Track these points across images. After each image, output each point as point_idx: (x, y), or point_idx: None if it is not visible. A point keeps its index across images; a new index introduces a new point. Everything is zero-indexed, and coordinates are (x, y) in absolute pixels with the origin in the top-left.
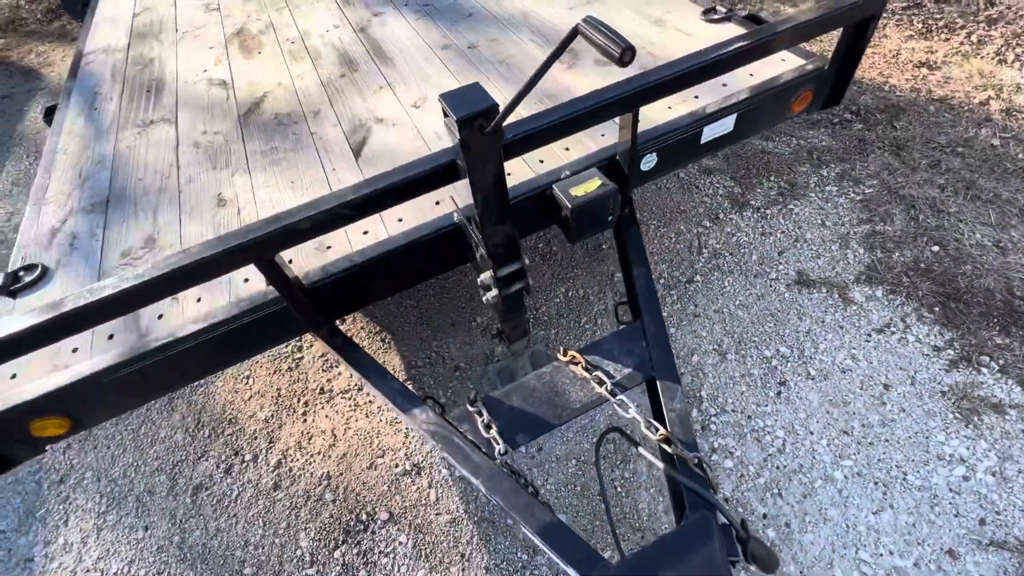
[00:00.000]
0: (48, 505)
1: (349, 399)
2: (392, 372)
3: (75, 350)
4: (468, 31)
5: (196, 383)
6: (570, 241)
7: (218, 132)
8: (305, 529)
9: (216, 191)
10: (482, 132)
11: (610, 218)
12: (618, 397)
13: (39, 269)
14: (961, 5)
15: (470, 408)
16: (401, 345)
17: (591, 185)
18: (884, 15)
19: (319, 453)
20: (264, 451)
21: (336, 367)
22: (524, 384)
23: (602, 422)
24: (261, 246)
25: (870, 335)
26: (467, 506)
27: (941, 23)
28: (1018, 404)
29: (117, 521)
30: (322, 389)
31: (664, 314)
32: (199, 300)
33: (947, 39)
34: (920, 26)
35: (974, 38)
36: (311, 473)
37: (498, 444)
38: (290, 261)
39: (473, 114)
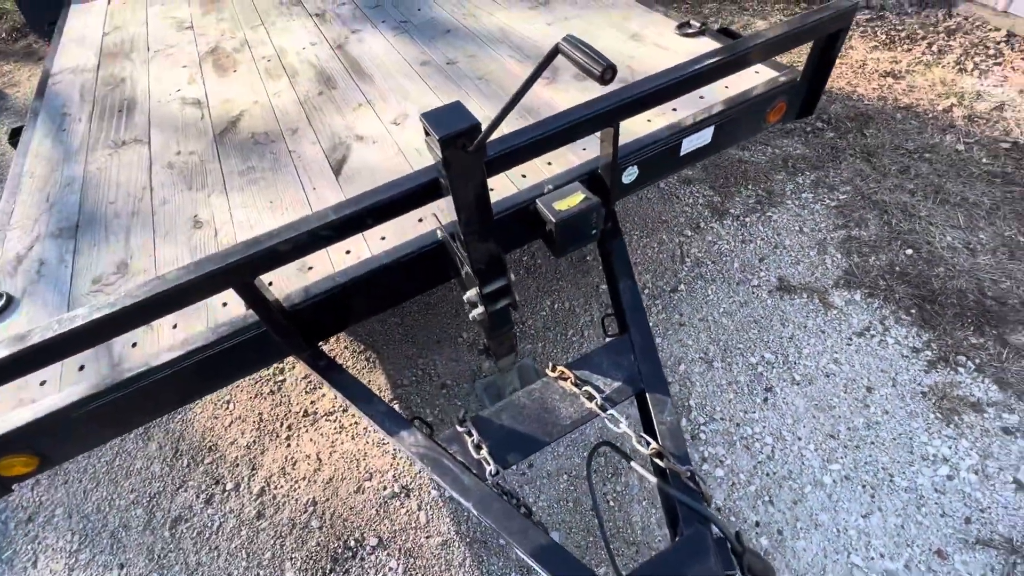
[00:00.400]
0: (16, 546)
1: (334, 421)
2: (378, 392)
3: (43, 383)
4: (447, 47)
5: (173, 411)
6: (555, 255)
7: (193, 152)
8: (291, 559)
9: (192, 213)
10: (464, 151)
11: (594, 231)
12: (608, 412)
13: (3, 298)
14: (921, 17)
15: (459, 428)
16: (386, 364)
17: (574, 199)
18: (849, 27)
19: (304, 478)
20: (246, 479)
21: (320, 388)
22: (513, 402)
23: (592, 436)
24: (240, 270)
25: (851, 339)
26: (458, 527)
27: (903, 34)
28: (995, 402)
29: (90, 559)
30: (306, 412)
31: (650, 324)
32: (175, 326)
33: (909, 49)
34: (884, 37)
35: (935, 48)
36: (296, 500)
37: (489, 464)
38: (270, 283)
39: (455, 133)
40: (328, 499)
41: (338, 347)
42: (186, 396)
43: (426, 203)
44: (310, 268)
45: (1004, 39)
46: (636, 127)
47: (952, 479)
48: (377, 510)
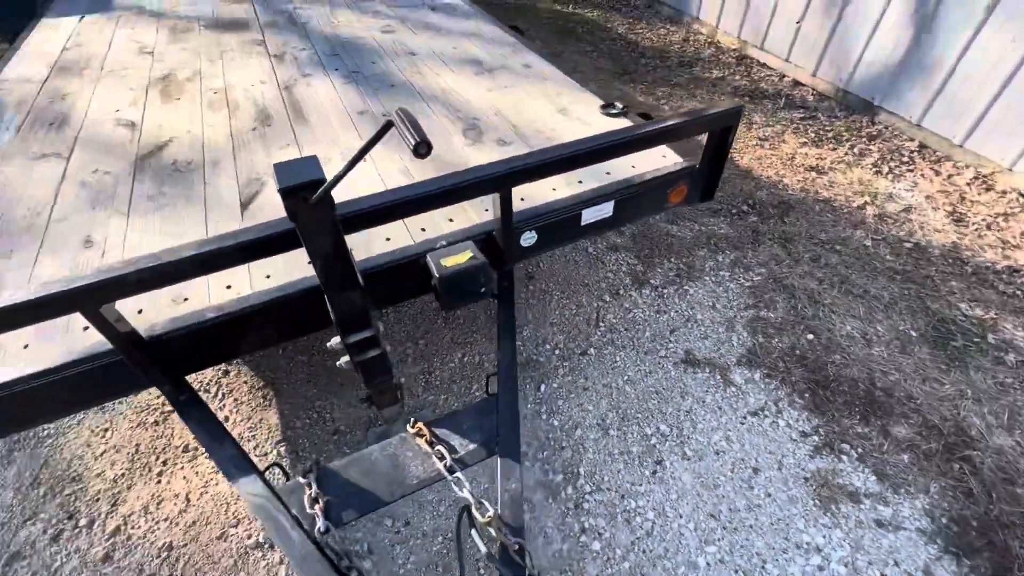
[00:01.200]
0: None
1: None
2: (268, 431)
3: None
4: (388, 100)
5: (44, 434)
6: (443, 309)
7: (109, 172)
8: None
9: (86, 233)
10: (306, 203)
11: (483, 290)
12: (455, 475)
13: None
14: (847, 121)
15: (301, 480)
16: (283, 402)
17: (462, 257)
18: (784, 123)
19: (166, 519)
20: (103, 515)
21: None
22: (365, 456)
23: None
24: (83, 295)
25: (745, 417)
26: None
27: (830, 134)
28: (872, 493)
29: None
30: (187, 447)
31: (555, 385)
32: (26, 346)
33: (834, 149)
34: (813, 135)
35: (856, 150)
36: (151, 543)
37: (318, 521)
38: (140, 311)
39: (295, 185)
40: (186, 544)
41: (237, 380)
42: (29, 419)
43: (282, 252)
44: (185, 299)
45: (916, 149)
46: (540, 193)
47: (823, 570)
48: (236, 560)
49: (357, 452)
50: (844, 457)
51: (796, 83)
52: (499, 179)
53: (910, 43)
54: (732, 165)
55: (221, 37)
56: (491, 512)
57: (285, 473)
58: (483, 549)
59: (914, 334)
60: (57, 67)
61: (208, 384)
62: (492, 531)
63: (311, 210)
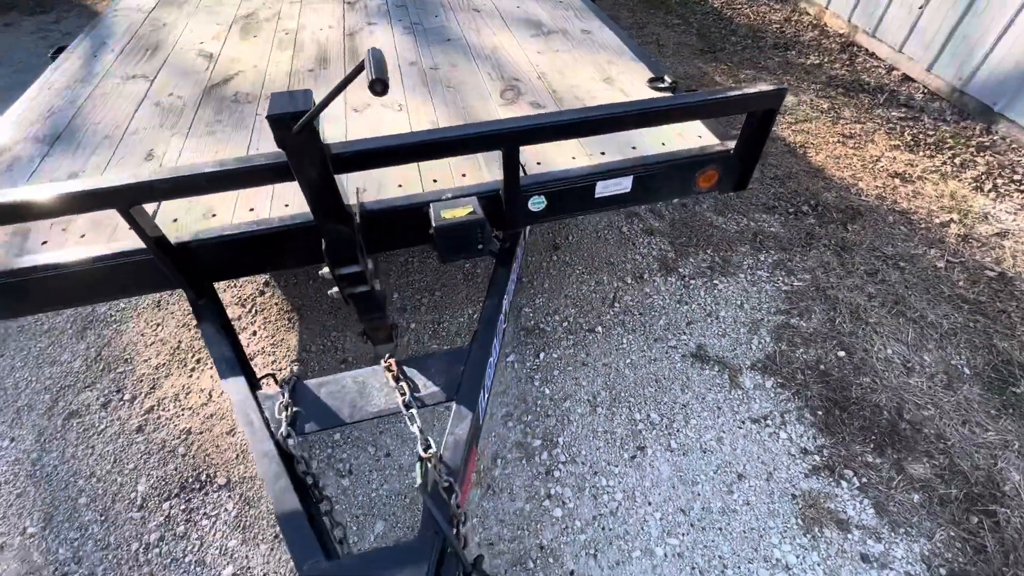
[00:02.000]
0: None
1: None
2: (286, 351)
3: None
4: (439, 53)
5: (112, 319)
6: (440, 261)
7: (180, 96)
8: (148, 475)
9: (151, 147)
10: (291, 131)
11: (480, 247)
12: (410, 411)
13: None
14: (958, 127)
15: (277, 389)
16: (303, 328)
17: (462, 211)
18: (878, 122)
19: (190, 408)
20: (143, 394)
21: (239, 333)
22: (338, 379)
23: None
24: (113, 196)
25: (744, 423)
26: None
27: (931, 139)
28: (865, 526)
29: None
30: None
31: (555, 355)
32: (83, 236)
33: (932, 156)
34: (909, 139)
35: (958, 160)
36: (175, 425)
37: (283, 426)
38: (175, 220)
39: (281, 114)
40: (202, 432)
41: (269, 301)
42: (81, 298)
43: (278, 181)
44: (214, 215)
45: None
46: (557, 160)
47: None
48: (238, 455)
49: (332, 375)
50: (844, 483)
51: (906, 78)
52: (501, 136)
53: None
54: (802, 160)
55: None
56: (433, 450)
57: (276, 382)
58: (418, 481)
59: (967, 371)
60: None
61: (246, 299)
62: (430, 466)
63: (296, 139)
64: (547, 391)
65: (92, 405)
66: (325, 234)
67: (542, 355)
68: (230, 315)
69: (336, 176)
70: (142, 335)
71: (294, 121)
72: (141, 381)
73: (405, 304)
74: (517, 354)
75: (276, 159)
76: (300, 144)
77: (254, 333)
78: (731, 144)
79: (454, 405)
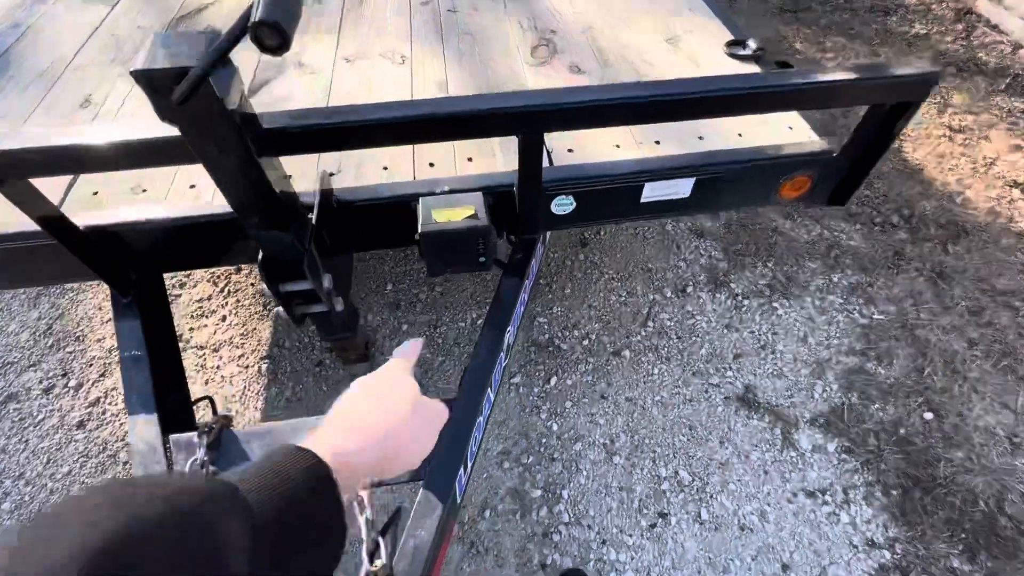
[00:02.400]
0: None
1: (200, 356)
2: (257, 345)
3: None
4: None
5: (69, 287)
6: (428, 274)
7: (141, 27)
8: (83, 484)
9: (91, 90)
10: (173, 103)
11: (481, 260)
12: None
13: None
14: None
15: (195, 439)
16: (280, 321)
17: (460, 213)
18: (997, 113)
19: None
20: (91, 382)
21: (207, 317)
22: (277, 430)
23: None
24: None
25: (796, 495)
26: None
27: None
28: None
29: None
30: (180, 336)
31: (569, 382)
32: None
33: None
34: None
35: None
36: (121, 424)
37: None
38: (95, 193)
39: (149, 70)
40: None
41: (245, 282)
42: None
43: (179, 162)
44: (144, 191)
45: None
46: (597, 150)
47: None
48: None
49: (269, 424)
50: None
51: None
52: (517, 118)
53: None
54: (895, 156)
55: None
56: (382, 561)
57: (214, 410)
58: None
59: None
60: None
61: (219, 277)
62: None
63: (187, 111)
64: (555, 427)
65: (33, 389)
66: (258, 241)
67: (554, 380)
68: (200, 294)
69: (279, 159)
70: (99, 309)
71: (171, 82)
72: (90, 365)
73: (399, 298)
74: (524, 375)
75: (157, 134)
76: (194, 118)
77: (223, 319)
78: (833, 144)
79: (421, 489)
